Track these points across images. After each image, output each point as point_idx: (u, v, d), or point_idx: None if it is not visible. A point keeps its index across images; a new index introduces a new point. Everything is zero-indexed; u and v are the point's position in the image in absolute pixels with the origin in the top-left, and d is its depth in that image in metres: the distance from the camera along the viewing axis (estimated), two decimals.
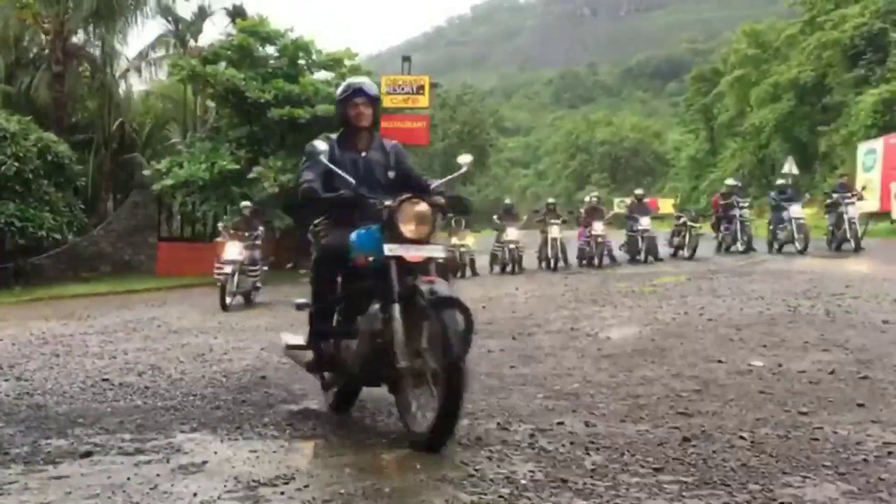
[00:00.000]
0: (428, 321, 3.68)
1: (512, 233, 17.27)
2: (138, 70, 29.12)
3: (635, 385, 5.37)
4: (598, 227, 16.89)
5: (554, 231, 17.16)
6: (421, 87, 26.14)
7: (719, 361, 6.06)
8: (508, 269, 17.27)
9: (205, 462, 3.68)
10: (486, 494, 3.12)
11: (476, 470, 3.46)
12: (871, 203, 22.07)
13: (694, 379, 5.48)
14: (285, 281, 17.44)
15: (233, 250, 12.74)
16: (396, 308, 3.80)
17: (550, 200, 19.67)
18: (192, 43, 29.60)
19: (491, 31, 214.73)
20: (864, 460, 3.55)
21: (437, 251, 3.99)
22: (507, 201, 20.48)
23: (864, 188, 19.39)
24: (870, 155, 31.00)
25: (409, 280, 3.82)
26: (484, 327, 8.65)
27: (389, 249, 3.88)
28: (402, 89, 25.91)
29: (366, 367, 4.12)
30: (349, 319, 4.33)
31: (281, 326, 9.67)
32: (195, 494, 3.17)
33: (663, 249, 18.20)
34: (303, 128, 19.06)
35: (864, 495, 3.09)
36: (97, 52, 26.10)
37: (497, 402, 4.94)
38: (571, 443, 3.92)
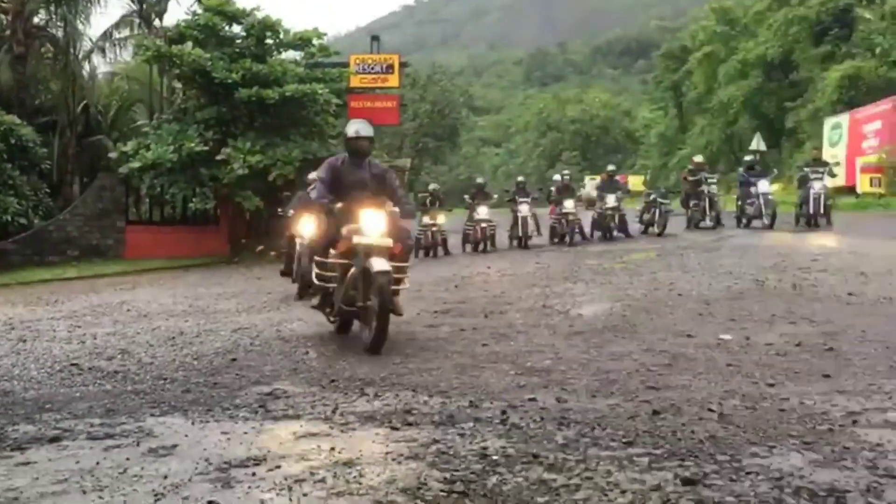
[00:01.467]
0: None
1: (483, 211, 17.28)
2: (102, 51, 28.49)
3: (606, 360, 5.42)
4: (568, 205, 16.95)
5: (523, 209, 17.19)
6: (390, 67, 25.99)
7: (689, 336, 6.13)
8: (480, 247, 17.30)
9: (175, 445, 3.66)
10: (457, 471, 3.14)
11: (448, 447, 3.47)
12: (838, 178, 22.35)
13: (664, 353, 5.54)
14: (255, 263, 17.33)
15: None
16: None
17: (520, 179, 19.71)
18: (156, 23, 29.08)
19: (461, 10, 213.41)
20: (830, 430, 3.61)
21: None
22: (479, 180, 20.42)
23: (836, 163, 19.63)
24: (835, 130, 31.42)
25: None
26: (456, 306, 8.67)
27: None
28: (372, 69, 25.75)
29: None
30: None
31: (253, 309, 9.63)
32: (165, 477, 3.15)
33: (634, 226, 18.31)
34: (271, 108, 18.85)
35: (830, 464, 3.14)
36: (60, 33, 25.50)
37: (469, 380, 4.96)
38: (543, 418, 3.95)
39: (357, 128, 6.82)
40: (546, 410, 4.11)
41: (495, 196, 20.09)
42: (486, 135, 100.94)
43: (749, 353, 5.46)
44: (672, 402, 4.21)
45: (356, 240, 6.23)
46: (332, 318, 6.92)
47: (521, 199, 17.33)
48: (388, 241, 6.23)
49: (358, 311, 6.39)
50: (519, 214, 17.29)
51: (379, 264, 6.01)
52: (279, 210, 12.94)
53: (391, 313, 6.06)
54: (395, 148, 46.38)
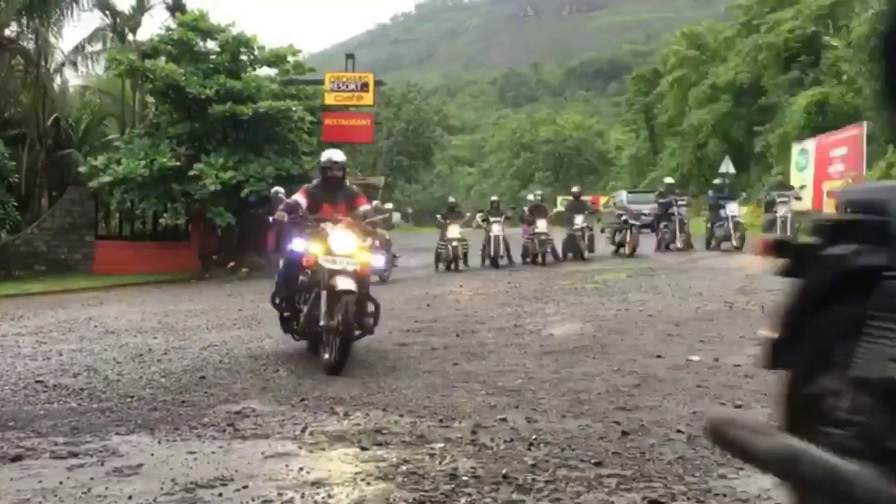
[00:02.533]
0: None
1: (455, 230, 17.31)
2: (74, 64, 28.25)
3: (577, 381, 5.44)
4: (541, 225, 17.05)
5: (495, 229, 17.21)
6: (365, 85, 26.00)
7: (658, 356, 6.18)
8: (452, 266, 17.31)
9: (141, 464, 3.61)
10: (427, 492, 3.13)
11: (418, 467, 3.46)
12: (805, 202, 22.70)
13: (634, 374, 5.58)
14: (226, 280, 17.22)
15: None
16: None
17: (493, 198, 19.79)
18: (130, 37, 28.92)
19: (436, 30, 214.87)
20: None
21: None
22: (451, 199, 20.50)
23: (801, 188, 19.96)
24: (803, 155, 31.94)
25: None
26: (428, 325, 8.66)
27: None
28: (347, 87, 25.73)
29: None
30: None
31: (223, 326, 9.54)
32: (130, 497, 3.11)
33: (606, 247, 18.46)
34: (245, 125, 18.79)
35: None
36: (31, 46, 25.26)
37: (440, 400, 4.96)
38: (513, 438, 3.95)
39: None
40: (516, 430, 4.12)
41: (467, 215, 20.11)
42: (459, 154, 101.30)
43: (717, 374, 5.51)
44: (641, 422, 4.23)
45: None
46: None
47: (494, 219, 17.39)
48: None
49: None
50: (491, 234, 17.28)
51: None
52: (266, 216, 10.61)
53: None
54: (368, 166, 46.40)
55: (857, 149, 27.41)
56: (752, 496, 3.04)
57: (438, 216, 18.90)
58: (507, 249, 17.43)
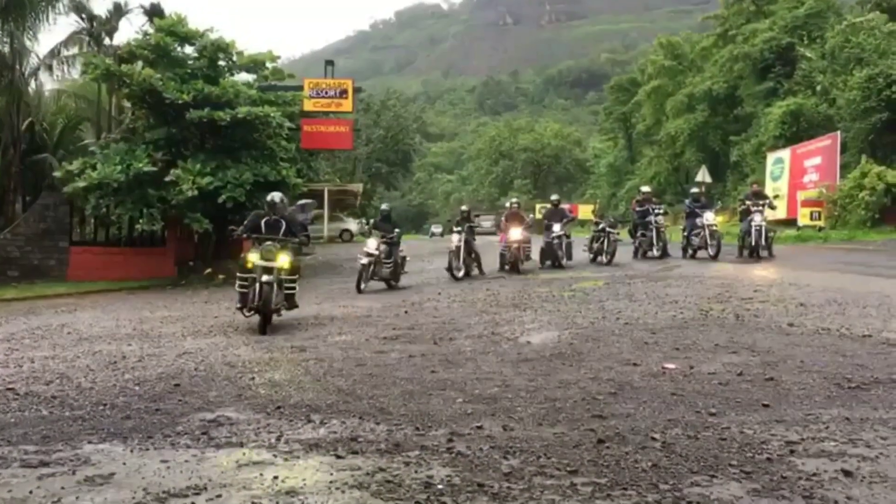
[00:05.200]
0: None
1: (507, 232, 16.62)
2: (50, 68, 28.00)
3: (553, 388, 5.45)
4: (514, 234, 16.97)
5: (454, 239, 16.08)
6: (344, 92, 26.03)
7: (634, 364, 6.21)
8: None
9: (113, 473, 3.57)
10: (402, 500, 3.12)
11: (393, 476, 3.45)
12: (779, 211, 22.95)
13: (610, 382, 5.60)
14: (203, 287, 17.08)
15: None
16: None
17: (464, 208, 18.97)
18: (107, 41, 28.71)
19: (415, 37, 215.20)
20: (769, 459, 3.69)
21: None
22: (384, 206, 17.75)
23: (776, 196, 20.18)
24: (777, 164, 32.34)
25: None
26: (406, 332, 8.65)
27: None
28: (326, 93, 25.76)
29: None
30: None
31: (199, 333, 9.47)
32: None
33: (583, 255, 18.51)
34: (223, 130, 18.68)
35: (768, 493, 3.21)
36: (6, 49, 24.99)
37: (416, 407, 4.95)
38: (489, 447, 3.95)
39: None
40: (492, 438, 4.12)
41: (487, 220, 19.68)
42: (438, 161, 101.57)
43: (692, 381, 5.55)
44: (617, 430, 4.25)
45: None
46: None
47: (455, 229, 16.42)
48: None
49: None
50: (451, 244, 16.29)
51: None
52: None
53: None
54: (347, 172, 46.30)
55: (830, 158, 27.81)
56: (725, 503, 3.06)
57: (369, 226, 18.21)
58: (478, 260, 16.57)
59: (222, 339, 8.77)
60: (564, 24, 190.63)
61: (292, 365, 6.73)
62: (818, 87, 33.00)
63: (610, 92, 65.79)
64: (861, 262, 15.43)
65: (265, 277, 9.31)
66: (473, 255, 16.46)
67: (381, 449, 3.93)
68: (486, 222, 31.92)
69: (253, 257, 9.63)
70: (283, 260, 9.61)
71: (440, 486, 3.29)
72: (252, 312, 9.64)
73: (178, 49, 20.31)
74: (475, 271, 16.47)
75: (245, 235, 10.33)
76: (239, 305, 9.72)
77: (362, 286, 14.43)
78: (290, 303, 9.93)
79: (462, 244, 16.03)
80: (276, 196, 10.61)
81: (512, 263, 16.83)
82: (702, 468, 3.54)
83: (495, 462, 3.67)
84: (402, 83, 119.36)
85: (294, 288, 9.93)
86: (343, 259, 21.50)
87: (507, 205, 19.22)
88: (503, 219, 18.10)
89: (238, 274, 9.74)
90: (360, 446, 3.99)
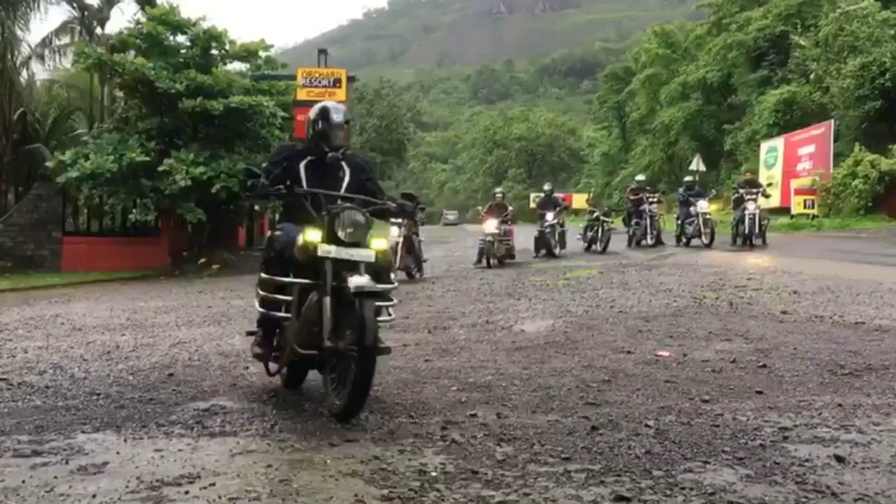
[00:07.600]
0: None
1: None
2: (41, 58, 27.86)
3: (547, 376, 5.46)
4: (488, 226, 16.07)
5: (394, 232, 13.60)
6: (338, 81, 25.95)
7: (628, 352, 6.23)
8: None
9: (106, 462, 3.56)
10: (396, 488, 3.12)
11: (387, 464, 3.45)
12: (773, 199, 23.02)
13: (603, 369, 5.61)
14: (196, 277, 17.07)
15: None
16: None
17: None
18: (98, 30, 28.53)
19: (408, 26, 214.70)
20: (762, 445, 3.70)
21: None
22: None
23: (769, 185, 20.22)
24: (771, 153, 32.40)
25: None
26: (400, 321, 8.63)
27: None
28: (319, 82, 25.66)
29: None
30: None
31: (193, 323, 9.46)
32: (94, 496, 3.06)
33: (577, 243, 18.54)
34: (216, 120, 18.61)
35: (761, 479, 3.22)
36: None
37: (410, 396, 4.95)
38: (483, 434, 3.96)
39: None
40: (486, 426, 4.12)
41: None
42: (433, 150, 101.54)
43: (686, 369, 5.56)
44: (610, 417, 4.26)
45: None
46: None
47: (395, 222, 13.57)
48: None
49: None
50: (414, 239, 14.46)
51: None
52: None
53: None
54: None
55: (824, 146, 27.87)
56: (718, 489, 3.08)
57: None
58: (419, 262, 14.66)
59: (216, 329, 8.76)
60: (558, 12, 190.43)
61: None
62: (812, 76, 33.04)
63: (604, 81, 65.80)
64: (854, 249, 15.50)
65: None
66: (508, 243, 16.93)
67: (374, 437, 3.93)
68: (451, 215, 31.73)
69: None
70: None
71: (434, 474, 3.29)
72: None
73: (171, 38, 20.20)
74: (416, 273, 14.54)
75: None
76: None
77: (485, 262, 16.01)
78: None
79: (421, 239, 15.07)
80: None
81: (490, 257, 16.06)
82: (695, 454, 3.56)
83: (489, 449, 3.68)
84: (395, 72, 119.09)
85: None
86: None
87: (495, 195, 18.71)
88: (483, 210, 17.69)
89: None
90: (354, 435, 3.99)
